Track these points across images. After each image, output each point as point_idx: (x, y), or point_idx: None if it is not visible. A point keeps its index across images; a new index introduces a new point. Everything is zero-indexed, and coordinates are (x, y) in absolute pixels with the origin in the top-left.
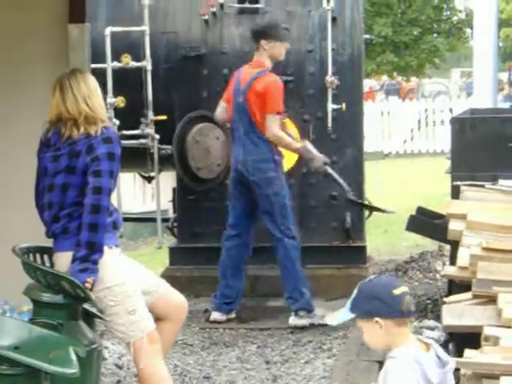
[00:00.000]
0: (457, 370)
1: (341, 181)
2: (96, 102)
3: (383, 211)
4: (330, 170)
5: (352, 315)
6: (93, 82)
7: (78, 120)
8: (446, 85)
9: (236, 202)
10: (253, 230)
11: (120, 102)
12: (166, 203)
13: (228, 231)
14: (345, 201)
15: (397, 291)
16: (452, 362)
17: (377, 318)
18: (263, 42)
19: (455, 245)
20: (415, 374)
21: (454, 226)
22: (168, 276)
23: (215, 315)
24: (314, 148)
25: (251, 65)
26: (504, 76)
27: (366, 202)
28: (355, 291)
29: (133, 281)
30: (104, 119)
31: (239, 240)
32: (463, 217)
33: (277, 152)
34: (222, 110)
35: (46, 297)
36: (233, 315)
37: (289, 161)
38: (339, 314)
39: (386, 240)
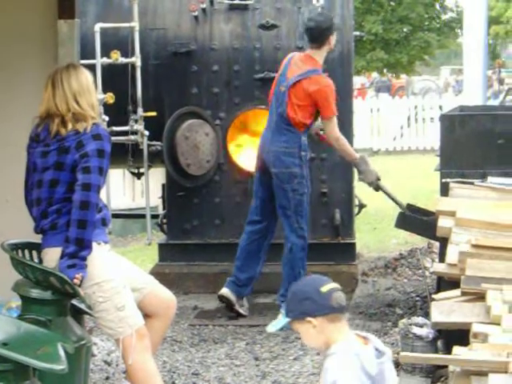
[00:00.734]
0: (445, 366)
1: (393, 195)
2: (86, 100)
3: None
4: (382, 185)
5: (287, 319)
6: (85, 78)
7: (66, 117)
8: (435, 82)
9: (258, 188)
10: (276, 219)
11: (109, 98)
12: (156, 200)
13: (250, 215)
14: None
15: (324, 288)
16: (389, 351)
17: (309, 318)
18: (331, 36)
19: (444, 242)
20: (355, 367)
21: (443, 223)
22: (157, 272)
23: (223, 290)
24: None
25: (303, 59)
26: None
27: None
28: (288, 295)
29: (122, 277)
30: (94, 116)
31: (260, 226)
32: (452, 214)
33: (304, 148)
34: None
35: (35, 293)
36: (245, 304)
37: None
38: (277, 321)
39: (375, 237)
